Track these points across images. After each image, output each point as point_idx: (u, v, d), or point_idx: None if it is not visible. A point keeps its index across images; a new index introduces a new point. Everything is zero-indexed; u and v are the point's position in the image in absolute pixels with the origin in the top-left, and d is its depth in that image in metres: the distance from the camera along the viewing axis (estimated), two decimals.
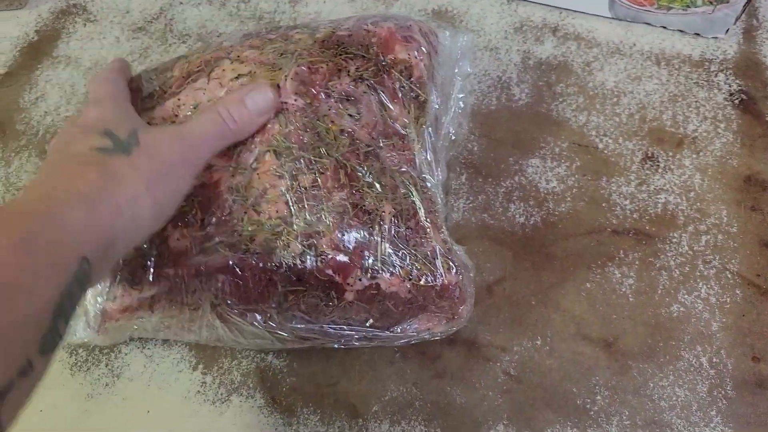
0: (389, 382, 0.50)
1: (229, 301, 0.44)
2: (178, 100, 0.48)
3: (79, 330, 0.47)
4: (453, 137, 0.53)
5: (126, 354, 0.51)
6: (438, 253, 0.45)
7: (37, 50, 0.66)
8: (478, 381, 0.50)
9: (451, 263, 0.45)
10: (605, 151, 0.59)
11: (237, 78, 0.47)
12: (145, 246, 0.45)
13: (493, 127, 0.61)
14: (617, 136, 0.60)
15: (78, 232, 0.35)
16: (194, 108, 0.47)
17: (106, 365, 0.51)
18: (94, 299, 0.46)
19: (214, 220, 0.44)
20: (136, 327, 0.47)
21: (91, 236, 0.35)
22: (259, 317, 0.45)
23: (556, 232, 0.56)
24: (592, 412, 0.48)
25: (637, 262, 0.54)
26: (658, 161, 0.59)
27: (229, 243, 0.43)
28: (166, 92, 0.48)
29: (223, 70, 0.48)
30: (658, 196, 0.57)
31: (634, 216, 0.56)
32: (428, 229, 0.45)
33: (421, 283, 0.44)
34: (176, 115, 0.47)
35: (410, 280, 0.44)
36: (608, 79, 0.63)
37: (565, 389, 0.49)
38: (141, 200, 0.39)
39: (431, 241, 0.45)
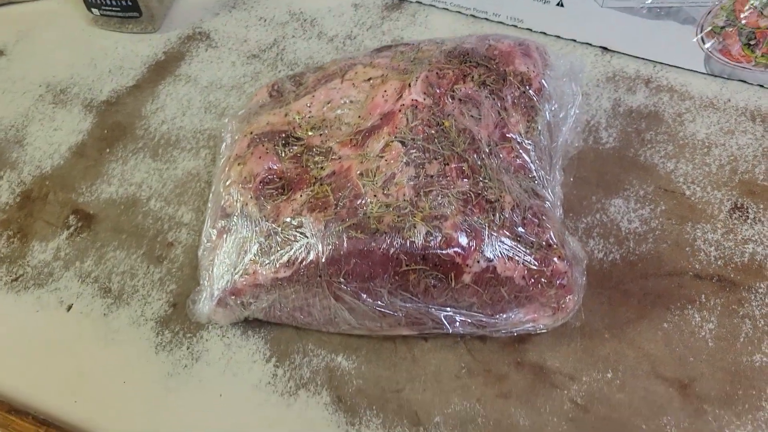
0: (453, 395, 0.50)
1: (345, 278, 0.46)
2: (312, 96, 0.53)
3: (200, 301, 0.50)
4: (569, 144, 0.55)
5: (207, 340, 0.54)
6: (552, 241, 0.46)
7: (163, 68, 0.73)
8: (544, 406, 0.49)
9: (563, 252, 0.46)
10: (692, 198, 0.59)
11: (369, 80, 0.52)
12: (281, 228, 0.47)
13: (578, 166, 0.62)
14: (706, 184, 0.60)
15: None
16: (328, 104, 0.52)
17: (188, 348, 0.54)
18: (223, 273, 0.49)
19: (346, 202, 0.47)
20: (252, 304, 0.50)
21: None
22: (368, 296, 0.47)
23: (636, 270, 0.55)
24: None
25: (719, 308, 0.53)
26: (748, 212, 0.58)
27: (359, 225, 0.46)
28: (301, 91, 0.55)
29: (356, 72, 0.54)
30: (746, 246, 0.56)
31: (719, 263, 0.55)
32: (544, 221, 0.47)
33: (533, 266, 0.45)
34: (309, 111, 0.53)
35: (523, 264, 0.45)
36: (699, 131, 0.63)
37: (633, 425, 0.48)
38: None
39: (547, 231, 0.47)
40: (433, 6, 0.76)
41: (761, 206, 0.58)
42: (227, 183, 0.52)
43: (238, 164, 0.52)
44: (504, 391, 0.50)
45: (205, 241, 0.52)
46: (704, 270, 0.55)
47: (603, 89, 0.67)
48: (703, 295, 0.54)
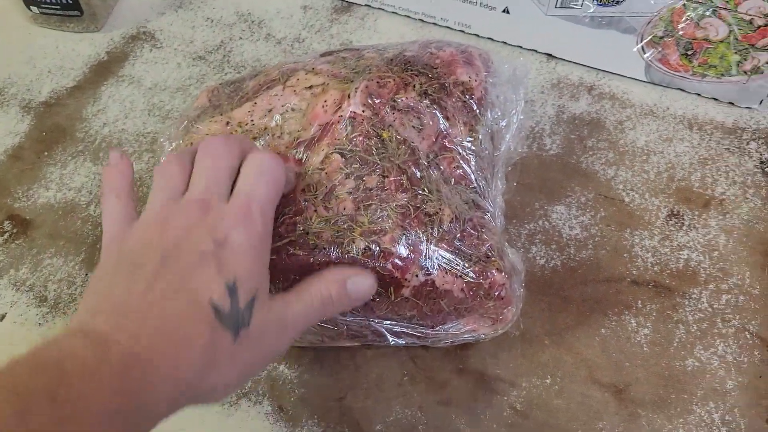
0: (395, 403, 0.50)
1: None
2: (254, 104, 0.52)
3: None
4: (513, 151, 0.56)
5: None
6: (490, 254, 0.47)
7: (105, 69, 0.72)
8: (484, 413, 0.50)
9: (501, 265, 0.47)
10: (631, 205, 0.60)
11: (310, 87, 0.52)
12: None
13: (522, 172, 0.62)
14: (644, 191, 0.61)
15: (151, 413, 0.33)
16: (268, 111, 0.51)
17: None
18: None
19: (286, 219, 0.46)
20: None
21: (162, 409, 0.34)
22: None
23: (575, 276, 0.56)
24: None
25: (654, 314, 0.54)
26: (683, 219, 0.59)
27: (298, 242, 0.45)
28: (242, 98, 0.54)
29: (298, 79, 0.53)
30: (681, 253, 0.57)
31: (655, 269, 0.57)
32: (483, 233, 0.48)
33: (471, 279, 0.46)
34: (251, 119, 0.52)
35: (462, 277, 0.46)
36: (639, 138, 0.65)
37: (571, 430, 0.49)
38: (222, 389, 0.37)
39: (485, 243, 0.47)
40: (382, 9, 0.76)
41: (696, 213, 0.60)
42: None
43: None
44: (445, 398, 0.51)
45: None
46: (641, 276, 0.56)
47: (548, 96, 0.68)
48: (639, 301, 0.55)
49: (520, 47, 0.72)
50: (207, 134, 0.54)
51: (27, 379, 0.30)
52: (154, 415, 0.33)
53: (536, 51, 0.72)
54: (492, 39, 0.73)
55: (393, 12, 0.75)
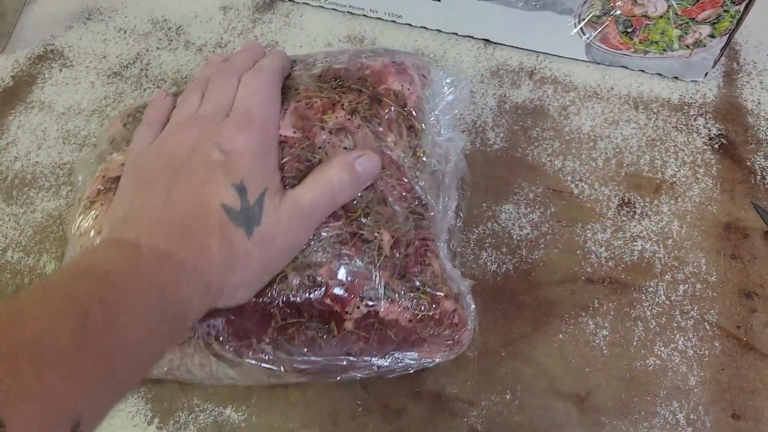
0: None
1: (221, 338, 0.44)
2: None
3: None
4: (461, 164, 0.53)
5: None
6: (435, 280, 0.44)
7: (12, 96, 0.66)
8: None
9: (448, 290, 0.44)
10: (581, 197, 0.58)
11: None
12: None
13: (462, 176, 0.59)
14: (593, 181, 0.59)
15: (186, 308, 0.36)
16: None
17: None
18: None
19: None
20: None
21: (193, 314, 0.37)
22: (252, 353, 0.44)
23: (529, 280, 0.54)
24: None
25: (611, 313, 0.52)
26: (635, 207, 0.57)
27: None
28: None
29: None
30: (635, 244, 0.55)
31: (610, 264, 0.54)
32: (427, 257, 0.45)
33: (420, 310, 0.43)
34: None
35: (408, 308, 0.43)
36: (585, 123, 0.62)
37: None
38: (243, 289, 0.40)
39: (429, 269, 0.44)
40: (307, 4, 0.71)
41: (647, 200, 0.57)
42: (79, 235, 0.47)
43: (89, 213, 0.47)
44: (402, 426, 0.48)
45: None
46: (595, 273, 0.54)
47: (488, 85, 0.65)
48: (595, 300, 0.53)
49: (455, 34, 0.68)
50: (121, 165, 0.49)
51: (76, 284, 0.32)
52: (190, 313, 0.36)
53: (472, 37, 0.68)
54: (425, 28, 0.69)
55: (319, 6, 0.71)
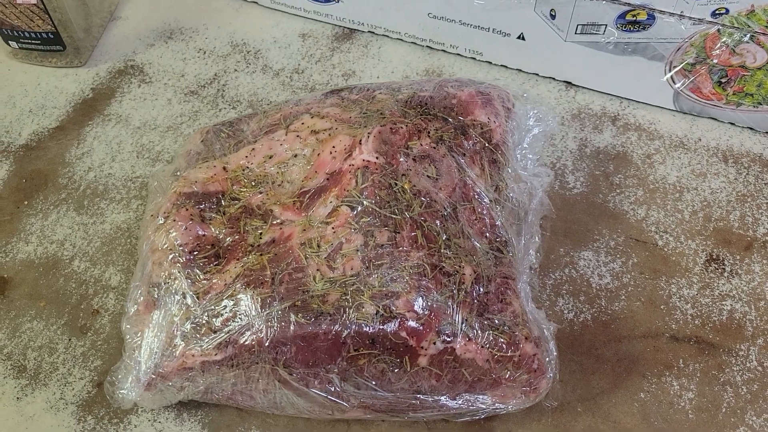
0: None
1: (289, 364, 0.42)
2: (252, 149, 0.48)
3: (125, 384, 0.44)
4: (545, 200, 0.51)
5: (135, 426, 0.48)
6: (516, 320, 0.42)
7: (90, 107, 0.66)
8: None
9: (529, 333, 0.42)
10: (665, 249, 0.55)
11: (316, 132, 0.48)
12: (213, 305, 0.43)
13: (544, 214, 0.57)
14: (679, 233, 0.56)
15: None
16: (270, 158, 0.47)
17: None
18: (151, 354, 0.44)
19: (284, 276, 0.41)
20: (186, 387, 0.44)
21: None
22: (318, 382, 0.42)
23: (608, 332, 0.51)
24: None
25: (698, 374, 0.49)
26: (724, 264, 0.54)
27: (300, 306, 0.40)
28: (240, 141, 0.50)
29: (303, 123, 0.49)
30: (724, 303, 0.52)
31: (696, 322, 0.51)
32: (507, 295, 0.43)
33: (498, 351, 0.41)
34: (249, 164, 0.48)
35: (486, 347, 0.41)
36: (670, 173, 0.59)
37: None
38: None
39: (509, 308, 0.42)
40: (387, 36, 0.71)
41: (737, 257, 0.54)
42: (152, 249, 0.46)
43: (164, 229, 0.46)
44: None
45: (130, 312, 0.46)
46: (681, 331, 0.51)
47: (568, 128, 0.63)
48: (681, 360, 0.50)
49: (537, 75, 0.67)
50: (196, 181, 0.49)
51: None
52: None
53: (554, 79, 0.66)
54: (505, 66, 0.68)
55: (398, 39, 0.70)
